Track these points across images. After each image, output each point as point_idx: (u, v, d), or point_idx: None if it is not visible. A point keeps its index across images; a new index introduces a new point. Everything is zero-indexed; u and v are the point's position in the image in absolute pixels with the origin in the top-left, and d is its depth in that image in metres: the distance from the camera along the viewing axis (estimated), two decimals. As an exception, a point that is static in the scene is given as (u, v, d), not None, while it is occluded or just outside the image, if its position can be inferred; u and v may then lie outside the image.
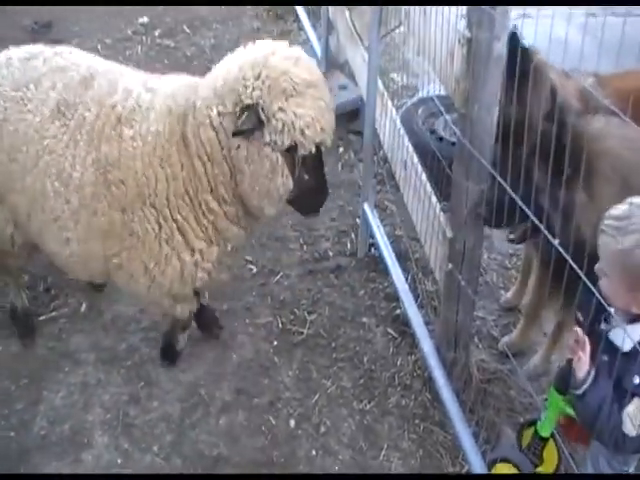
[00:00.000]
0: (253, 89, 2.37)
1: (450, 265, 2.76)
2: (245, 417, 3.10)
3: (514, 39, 2.55)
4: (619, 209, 1.99)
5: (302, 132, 2.38)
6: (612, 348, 2.04)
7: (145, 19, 6.21)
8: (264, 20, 6.34)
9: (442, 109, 3.30)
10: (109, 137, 2.64)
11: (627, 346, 2.01)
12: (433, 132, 4.38)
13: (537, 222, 2.19)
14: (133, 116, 2.64)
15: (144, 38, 6.00)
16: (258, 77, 2.38)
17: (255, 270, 3.79)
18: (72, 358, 3.36)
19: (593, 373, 2.09)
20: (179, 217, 2.66)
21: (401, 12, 3.26)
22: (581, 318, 2.38)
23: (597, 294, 1.91)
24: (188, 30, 6.12)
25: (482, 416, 3.04)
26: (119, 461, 2.95)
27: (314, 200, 2.70)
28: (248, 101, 2.38)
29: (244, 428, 3.06)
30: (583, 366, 2.11)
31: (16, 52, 2.91)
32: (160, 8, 6.37)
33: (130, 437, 3.04)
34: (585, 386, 2.09)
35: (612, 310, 2.03)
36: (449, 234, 2.76)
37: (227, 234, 2.75)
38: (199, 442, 3.01)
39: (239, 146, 2.46)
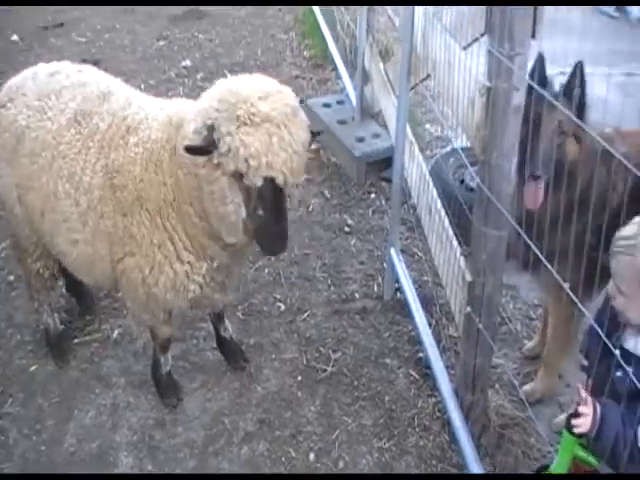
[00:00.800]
0: (215, 110, 2.45)
1: (469, 308, 2.85)
2: (266, 448, 3.18)
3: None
4: (629, 229, 2.11)
5: (246, 161, 2.39)
6: (628, 360, 2.09)
7: (188, 62, 6.47)
8: (303, 68, 6.57)
9: (466, 161, 3.43)
10: (117, 145, 2.86)
11: None
12: (462, 182, 4.50)
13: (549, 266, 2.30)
14: (140, 126, 2.85)
15: (186, 80, 6.25)
16: (222, 100, 2.45)
17: (283, 308, 3.91)
18: (103, 381, 3.49)
19: (599, 414, 2.17)
20: (169, 225, 2.79)
21: (429, 63, 3.41)
22: (585, 363, 2.47)
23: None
24: (229, 74, 6.32)
25: (499, 461, 3.09)
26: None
27: (270, 239, 2.61)
28: (209, 121, 2.45)
29: (265, 458, 3.14)
30: (587, 423, 2.19)
31: (43, 67, 3.21)
32: (202, 52, 6.63)
33: (154, 459, 3.13)
34: (595, 429, 2.17)
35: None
36: (468, 278, 2.86)
37: (209, 251, 2.84)
38: (220, 469, 3.09)
39: (204, 165, 2.52)
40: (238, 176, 2.44)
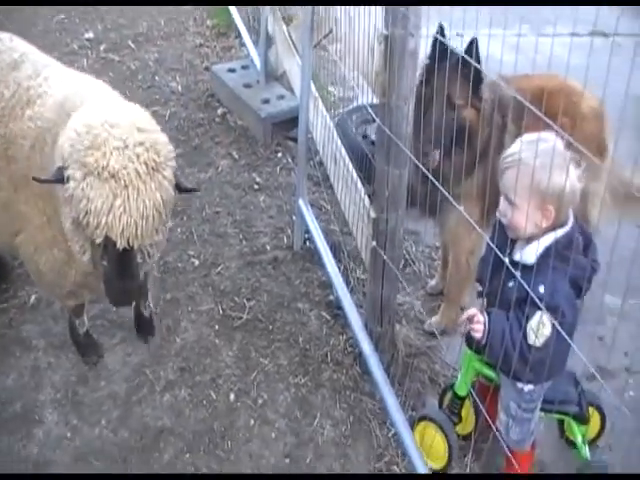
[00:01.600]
0: (70, 145, 2.31)
1: (374, 243, 3.05)
2: (188, 393, 3.31)
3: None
4: (513, 147, 2.36)
5: (85, 215, 2.26)
6: (516, 270, 2.31)
7: (91, 34, 6.42)
8: (206, 37, 6.61)
9: (372, 113, 3.61)
10: (16, 116, 2.78)
11: (531, 260, 2.36)
12: (365, 137, 4.70)
13: (445, 193, 2.52)
14: (37, 100, 2.75)
15: (90, 52, 6.21)
16: (79, 137, 2.30)
17: (197, 263, 4.02)
18: (23, 344, 3.53)
19: (487, 323, 2.42)
20: (48, 211, 2.71)
21: (331, 19, 3.58)
22: (480, 288, 2.72)
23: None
24: (133, 45, 6.35)
25: (408, 388, 3.32)
26: (68, 435, 3.13)
27: (112, 292, 2.49)
28: (64, 153, 2.34)
29: (187, 403, 3.27)
30: (479, 332, 2.45)
31: None
32: (105, 24, 6.60)
33: (79, 413, 3.22)
34: (486, 333, 2.41)
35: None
36: (373, 215, 3.06)
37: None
38: (144, 416, 3.21)
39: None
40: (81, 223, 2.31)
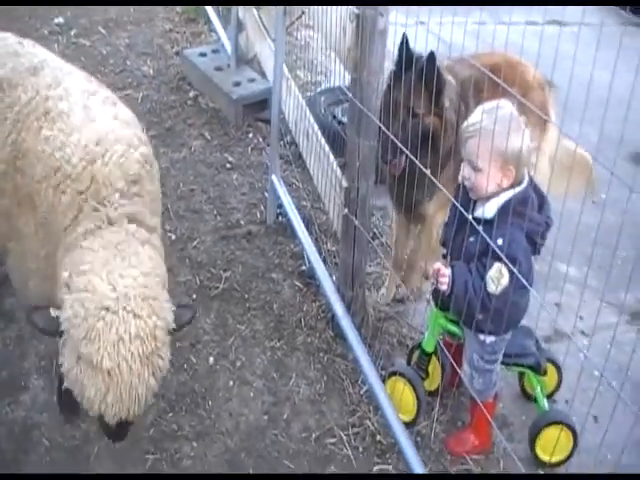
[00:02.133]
0: (67, 318, 2.25)
1: (346, 210, 3.24)
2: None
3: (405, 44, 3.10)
4: (472, 117, 2.57)
5: (77, 393, 2.29)
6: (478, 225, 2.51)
7: (61, 19, 6.49)
8: (176, 22, 6.71)
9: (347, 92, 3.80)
10: (30, 127, 2.65)
11: (490, 215, 2.57)
12: (334, 117, 4.89)
13: (408, 153, 2.75)
14: (59, 121, 2.60)
15: (60, 38, 6.28)
16: (76, 316, 2.22)
17: (174, 237, 4.17)
18: (7, 316, 3.64)
19: (451, 275, 2.63)
20: (46, 244, 2.64)
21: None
22: (444, 251, 2.93)
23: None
24: (103, 30, 6.43)
25: (378, 349, 3.52)
26: (55, 399, 3.26)
27: (107, 435, 2.53)
28: (65, 303, 2.28)
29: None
30: (445, 283, 2.65)
31: None
32: (75, 10, 6.66)
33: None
34: (450, 284, 2.62)
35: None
36: (344, 184, 3.24)
37: None
38: (128, 380, 3.35)
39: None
40: None
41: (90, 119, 2.60)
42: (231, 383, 3.38)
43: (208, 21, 6.57)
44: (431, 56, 3.04)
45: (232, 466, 3.04)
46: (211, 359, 3.48)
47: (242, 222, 4.32)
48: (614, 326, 3.73)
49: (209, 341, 3.56)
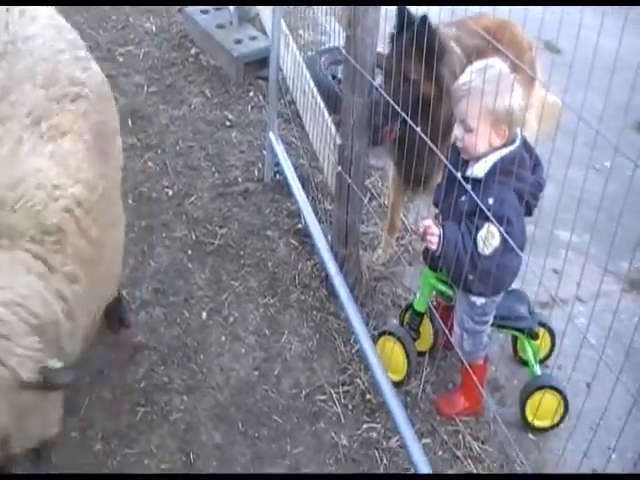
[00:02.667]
0: None
1: (339, 167, 3.22)
2: (162, 312, 3.48)
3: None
4: (463, 78, 2.54)
5: None
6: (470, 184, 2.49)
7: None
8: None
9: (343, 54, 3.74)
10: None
11: (480, 174, 2.55)
12: (334, 77, 4.83)
13: (405, 116, 2.69)
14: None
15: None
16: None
17: (171, 193, 4.16)
18: None
19: (442, 231, 2.60)
20: None
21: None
22: (437, 210, 2.91)
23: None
24: None
25: (371, 309, 3.52)
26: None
27: None
28: None
29: (161, 321, 3.44)
30: (435, 242, 2.63)
31: None
32: None
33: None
34: (441, 243, 2.60)
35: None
36: (339, 141, 3.21)
37: None
38: (120, 334, 3.36)
39: None
40: None
41: (16, 155, 2.20)
42: (223, 338, 3.39)
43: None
44: (423, 18, 2.94)
45: (221, 420, 3.06)
46: (204, 314, 3.49)
47: (240, 179, 4.30)
48: (612, 294, 3.72)
49: (203, 296, 3.57)
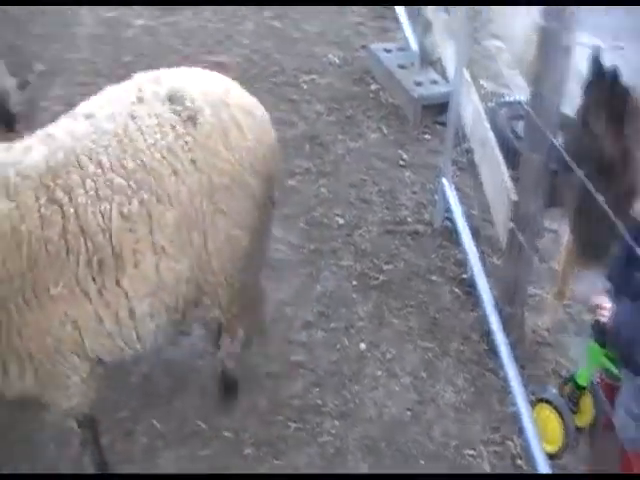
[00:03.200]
0: None
1: (512, 224, 3.19)
2: (322, 335, 3.55)
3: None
4: None
5: None
6: None
7: None
8: (365, 17, 6.80)
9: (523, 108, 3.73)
10: None
11: None
12: (514, 132, 4.81)
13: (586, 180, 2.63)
14: None
15: (257, 17, 6.52)
16: None
17: (342, 222, 4.26)
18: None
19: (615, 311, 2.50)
20: None
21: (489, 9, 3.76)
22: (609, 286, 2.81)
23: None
24: (296, 16, 6.61)
25: (531, 373, 3.44)
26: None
27: None
28: None
29: (321, 344, 3.51)
30: (607, 315, 2.53)
31: None
32: None
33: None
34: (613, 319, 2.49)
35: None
36: (514, 198, 3.20)
37: None
38: (281, 348, 3.45)
39: None
40: None
41: None
42: (379, 373, 3.41)
43: (396, 18, 6.63)
44: (613, 72, 2.84)
45: (371, 452, 3.07)
46: (362, 345, 3.52)
47: (409, 220, 4.34)
48: None
49: (363, 328, 3.61)
